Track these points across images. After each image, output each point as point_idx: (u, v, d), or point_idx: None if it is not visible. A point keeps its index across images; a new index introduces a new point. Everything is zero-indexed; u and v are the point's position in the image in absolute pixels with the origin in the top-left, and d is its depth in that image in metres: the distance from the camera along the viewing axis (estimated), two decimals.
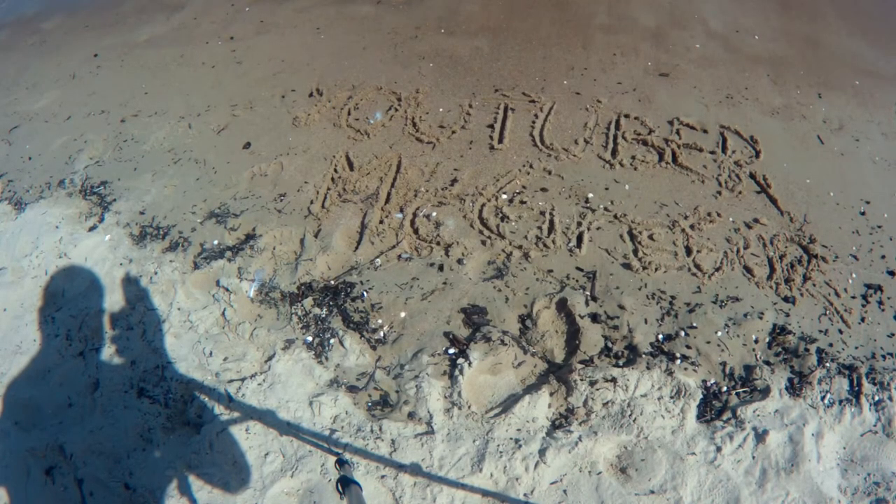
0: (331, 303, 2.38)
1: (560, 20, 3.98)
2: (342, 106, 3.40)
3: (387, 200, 2.77)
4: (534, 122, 3.10)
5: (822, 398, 1.95)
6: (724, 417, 1.93)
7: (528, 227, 2.56)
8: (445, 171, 2.88)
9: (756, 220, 2.52)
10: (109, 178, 3.19)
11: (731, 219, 2.54)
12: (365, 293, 2.39)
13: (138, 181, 3.13)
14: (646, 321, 2.19)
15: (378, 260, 2.51)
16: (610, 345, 2.13)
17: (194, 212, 2.88)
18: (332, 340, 2.26)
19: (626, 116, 3.09)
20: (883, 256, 2.38)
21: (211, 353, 2.28)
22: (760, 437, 1.85)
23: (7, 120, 3.90)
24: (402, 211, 2.70)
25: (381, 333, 2.27)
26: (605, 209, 2.60)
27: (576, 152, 2.88)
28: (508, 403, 2.02)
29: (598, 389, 1.99)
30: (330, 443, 1.96)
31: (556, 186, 2.73)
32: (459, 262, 2.45)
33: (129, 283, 2.60)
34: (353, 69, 3.71)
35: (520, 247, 2.47)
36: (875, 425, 1.89)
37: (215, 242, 2.70)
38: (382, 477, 1.88)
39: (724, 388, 2.00)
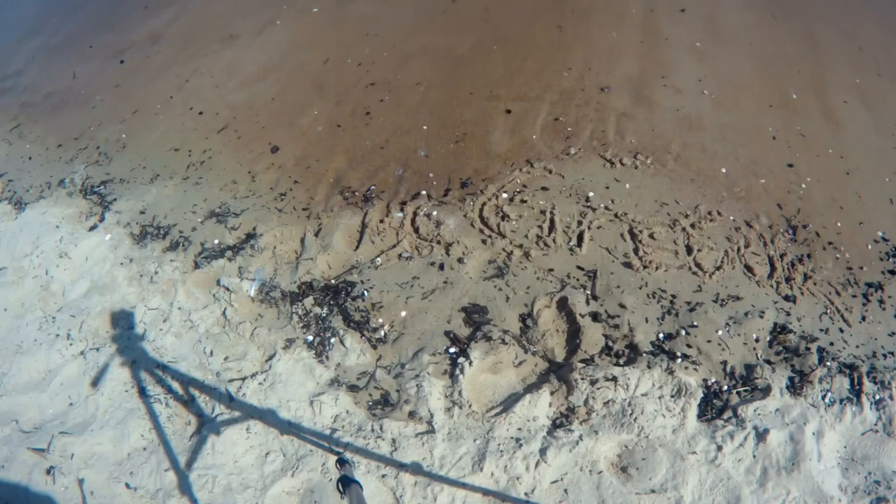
0: (331, 302, 2.38)
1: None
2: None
3: None
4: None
5: (823, 397, 1.95)
6: (725, 416, 1.92)
7: (528, 226, 2.55)
8: None
9: (757, 219, 2.51)
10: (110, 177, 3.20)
11: (731, 217, 2.54)
12: (365, 292, 2.39)
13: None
14: (646, 320, 2.19)
15: (379, 259, 2.50)
16: (611, 344, 2.13)
17: (195, 211, 2.87)
18: (332, 340, 2.26)
19: (625, 115, 3.08)
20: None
21: (212, 353, 2.28)
22: (761, 436, 1.85)
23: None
24: (402, 210, 2.70)
25: (382, 332, 2.27)
26: (606, 208, 2.59)
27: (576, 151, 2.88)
28: (509, 402, 2.02)
29: (598, 388, 1.98)
30: (331, 442, 1.96)
31: (556, 185, 2.72)
32: (460, 261, 2.45)
33: (130, 282, 2.60)
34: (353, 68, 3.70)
35: (520, 246, 2.47)
36: (876, 424, 1.89)
37: (216, 242, 2.69)
38: (383, 476, 1.88)
39: (725, 387, 2.00)
